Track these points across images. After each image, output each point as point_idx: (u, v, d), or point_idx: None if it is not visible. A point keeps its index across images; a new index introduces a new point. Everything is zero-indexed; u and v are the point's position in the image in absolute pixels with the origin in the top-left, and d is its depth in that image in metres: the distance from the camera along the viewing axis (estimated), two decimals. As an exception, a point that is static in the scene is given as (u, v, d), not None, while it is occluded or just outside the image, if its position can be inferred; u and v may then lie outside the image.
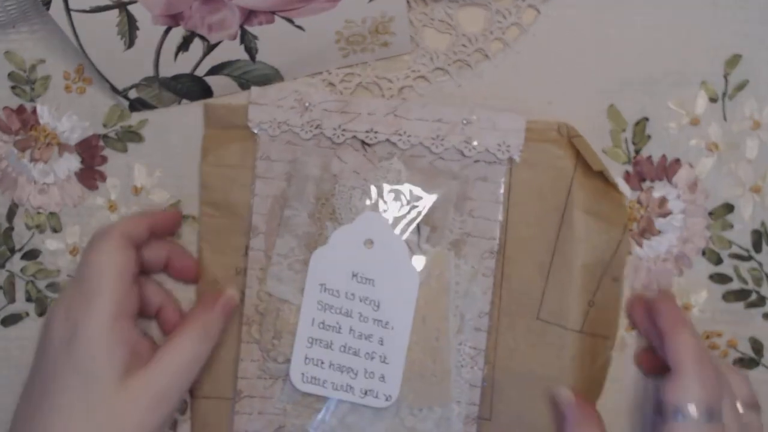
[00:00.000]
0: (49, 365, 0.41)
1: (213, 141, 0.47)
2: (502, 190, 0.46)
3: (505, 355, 0.46)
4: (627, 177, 0.47)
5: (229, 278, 0.46)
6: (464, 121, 0.45)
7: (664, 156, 0.47)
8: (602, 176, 0.45)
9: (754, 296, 0.48)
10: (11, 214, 0.48)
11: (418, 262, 0.46)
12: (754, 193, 0.47)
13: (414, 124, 0.46)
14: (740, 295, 0.47)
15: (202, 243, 0.47)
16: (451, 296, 0.46)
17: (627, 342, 0.47)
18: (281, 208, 0.46)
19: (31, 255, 0.48)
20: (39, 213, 0.48)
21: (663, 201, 0.47)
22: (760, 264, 0.47)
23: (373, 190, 0.46)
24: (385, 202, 0.46)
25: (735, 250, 0.47)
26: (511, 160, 0.46)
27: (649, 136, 0.47)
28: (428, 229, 0.46)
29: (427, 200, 0.46)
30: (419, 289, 0.45)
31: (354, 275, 0.45)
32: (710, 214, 0.47)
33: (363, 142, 0.46)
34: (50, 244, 0.48)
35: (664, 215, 0.47)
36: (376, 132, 0.46)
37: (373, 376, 0.45)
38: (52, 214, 0.48)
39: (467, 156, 0.46)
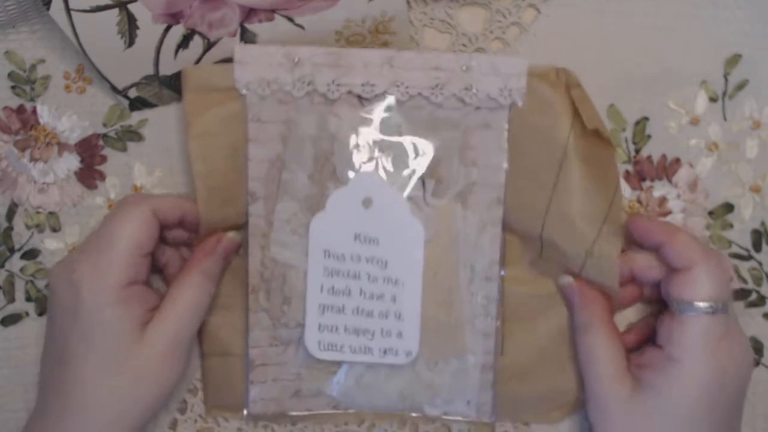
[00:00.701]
0: (58, 333, 0.41)
1: (195, 107, 0.44)
2: (506, 136, 0.44)
3: (512, 298, 0.46)
4: (627, 176, 0.47)
5: None
6: (464, 68, 0.44)
7: (664, 156, 0.47)
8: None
9: (754, 296, 0.48)
10: (11, 214, 0.48)
11: (425, 217, 0.44)
12: (754, 193, 0.47)
13: (411, 73, 0.44)
14: (740, 294, 0.47)
15: (201, 214, 0.44)
16: (460, 249, 0.45)
17: None
18: (279, 171, 0.44)
19: (31, 255, 0.48)
20: (38, 213, 0.48)
21: (663, 201, 0.47)
22: (760, 264, 0.47)
23: (374, 146, 0.44)
24: (387, 158, 0.44)
25: (735, 249, 0.47)
26: (513, 105, 0.44)
27: (649, 136, 0.47)
28: (433, 183, 0.45)
29: (430, 152, 0.44)
30: (428, 245, 0.44)
31: (357, 237, 0.44)
32: (710, 213, 0.47)
33: (359, 97, 0.44)
34: (50, 243, 0.48)
35: (664, 215, 0.47)
36: (372, 85, 0.44)
37: (390, 334, 0.44)
38: (51, 213, 0.48)
39: (468, 104, 0.44)
